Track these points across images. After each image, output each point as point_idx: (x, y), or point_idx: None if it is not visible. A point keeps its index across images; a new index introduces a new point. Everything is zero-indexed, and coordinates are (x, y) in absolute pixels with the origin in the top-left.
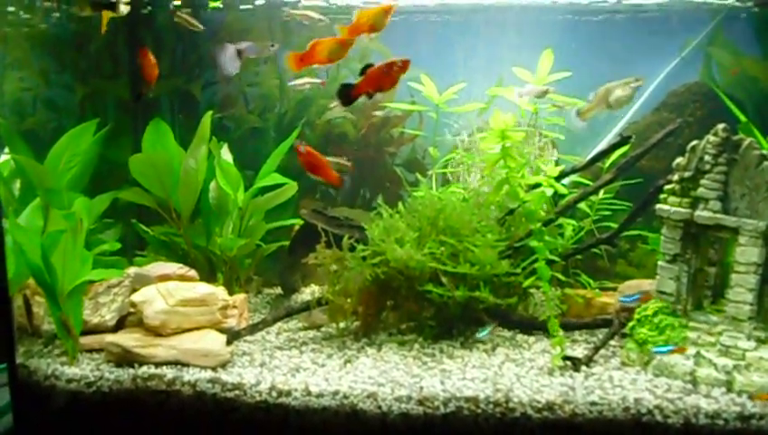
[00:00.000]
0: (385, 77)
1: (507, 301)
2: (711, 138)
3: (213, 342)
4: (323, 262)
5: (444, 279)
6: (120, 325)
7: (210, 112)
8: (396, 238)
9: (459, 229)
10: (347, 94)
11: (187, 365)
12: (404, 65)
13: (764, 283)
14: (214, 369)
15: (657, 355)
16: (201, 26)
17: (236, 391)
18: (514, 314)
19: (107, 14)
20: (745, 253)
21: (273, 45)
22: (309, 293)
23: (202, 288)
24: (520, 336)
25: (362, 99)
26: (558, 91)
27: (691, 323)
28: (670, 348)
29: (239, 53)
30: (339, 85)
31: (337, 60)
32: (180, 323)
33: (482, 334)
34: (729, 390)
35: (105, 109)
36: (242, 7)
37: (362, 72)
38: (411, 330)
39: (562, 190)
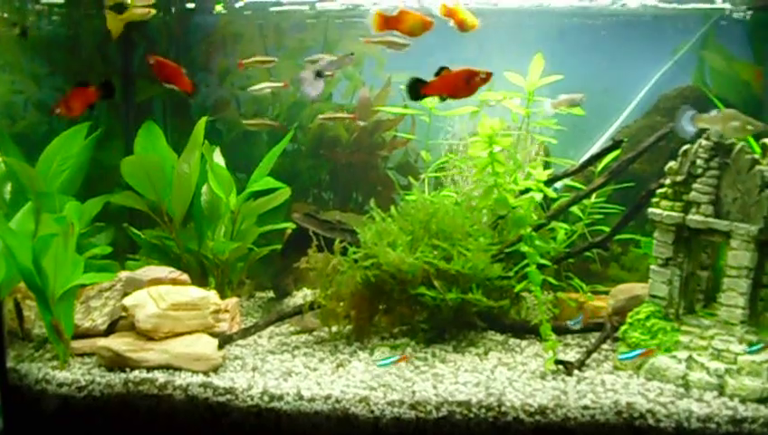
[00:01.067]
0: (464, 84)
1: (499, 304)
2: (703, 142)
3: (205, 346)
4: (315, 266)
5: (436, 283)
6: (111, 329)
7: (205, 118)
8: (388, 242)
9: (452, 233)
10: (416, 89)
11: (178, 369)
12: (486, 77)
13: (756, 287)
14: (206, 373)
15: (626, 361)
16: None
17: (228, 396)
18: (507, 318)
19: (112, 17)
20: (737, 257)
21: (351, 54)
22: (301, 296)
23: (194, 292)
24: (512, 340)
25: (355, 102)
26: (552, 95)
27: (683, 327)
28: (637, 353)
29: (319, 74)
30: (409, 78)
31: (413, 36)
32: (172, 327)
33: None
34: (721, 393)
35: (97, 112)
36: (238, 5)
37: (438, 72)
38: (404, 334)
39: (552, 195)
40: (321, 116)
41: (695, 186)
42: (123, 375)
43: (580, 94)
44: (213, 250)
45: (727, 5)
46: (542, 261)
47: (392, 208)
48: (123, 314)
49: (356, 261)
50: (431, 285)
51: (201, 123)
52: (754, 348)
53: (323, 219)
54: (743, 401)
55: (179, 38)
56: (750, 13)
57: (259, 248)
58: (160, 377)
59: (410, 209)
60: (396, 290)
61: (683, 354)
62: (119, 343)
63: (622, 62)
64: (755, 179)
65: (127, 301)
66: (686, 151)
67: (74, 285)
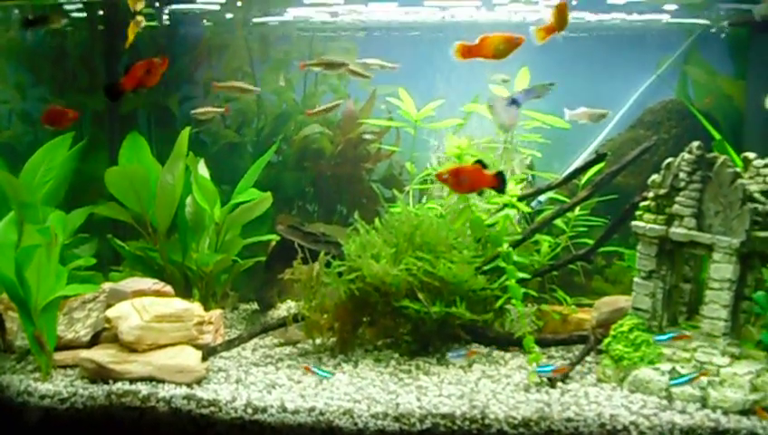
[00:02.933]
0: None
1: (483, 317)
2: (686, 155)
3: (188, 358)
4: (300, 277)
5: (420, 295)
6: (94, 341)
7: (188, 128)
8: (372, 254)
9: (436, 245)
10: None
11: (162, 381)
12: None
13: (738, 299)
14: (189, 385)
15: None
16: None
17: (212, 408)
18: (491, 331)
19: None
20: (720, 270)
21: (551, 84)
22: (285, 309)
23: (178, 304)
24: (496, 352)
25: (338, 115)
26: (535, 108)
27: None
28: (671, 336)
29: (514, 101)
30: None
31: (500, 58)
32: (156, 338)
33: (453, 356)
34: (704, 405)
35: (81, 122)
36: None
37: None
38: (388, 346)
39: (525, 210)
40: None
41: (678, 199)
42: (106, 387)
43: (603, 110)
44: (197, 262)
45: (709, 21)
46: (522, 275)
47: (376, 221)
48: (106, 325)
49: (340, 274)
50: (415, 297)
51: (185, 133)
52: (678, 381)
53: (308, 231)
54: (725, 412)
55: (165, 49)
56: (730, 28)
57: (243, 260)
58: (144, 389)
59: (394, 222)
60: (380, 302)
61: (666, 367)
62: (102, 354)
63: (607, 75)
64: (737, 193)
65: (110, 312)
66: (669, 165)
67: (57, 296)
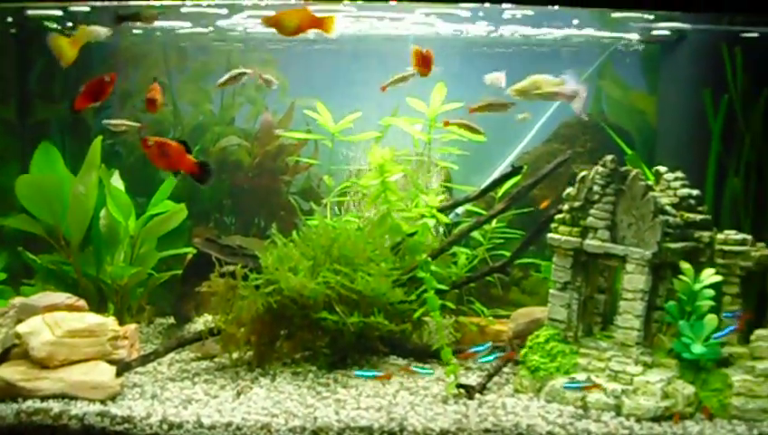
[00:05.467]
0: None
1: (401, 328)
2: (599, 169)
3: (102, 374)
4: (216, 290)
5: (338, 307)
6: (3, 358)
7: (100, 137)
8: (290, 267)
9: (353, 258)
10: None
11: (74, 398)
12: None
13: (651, 309)
14: (103, 402)
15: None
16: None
17: (126, 425)
18: (409, 343)
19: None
20: (632, 280)
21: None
22: (202, 322)
23: (91, 318)
24: (414, 364)
25: (258, 126)
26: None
27: (581, 350)
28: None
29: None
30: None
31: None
32: (68, 354)
33: (360, 374)
34: (618, 413)
35: None
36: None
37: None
38: (306, 359)
39: (445, 221)
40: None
41: (591, 211)
42: (15, 406)
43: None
44: (111, 275)
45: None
46: (440, 286)
47: (294, 233)
48: (16, 341)
49: (257, 287)
50: (333, 309)
51: (96, 143)
52: (572, 385)
53: (224, 244)
54: (638, 420)
55: (80, 58)
56: (643, 45)
57: (159, 274)
58: (55, 406)
59: (312, 234)
60: (297, 315)
61: (581, 376)
62: (11, 371)
63: None
64: (649, 206)
65: (20, 328)
66: (583, 178)
67: None
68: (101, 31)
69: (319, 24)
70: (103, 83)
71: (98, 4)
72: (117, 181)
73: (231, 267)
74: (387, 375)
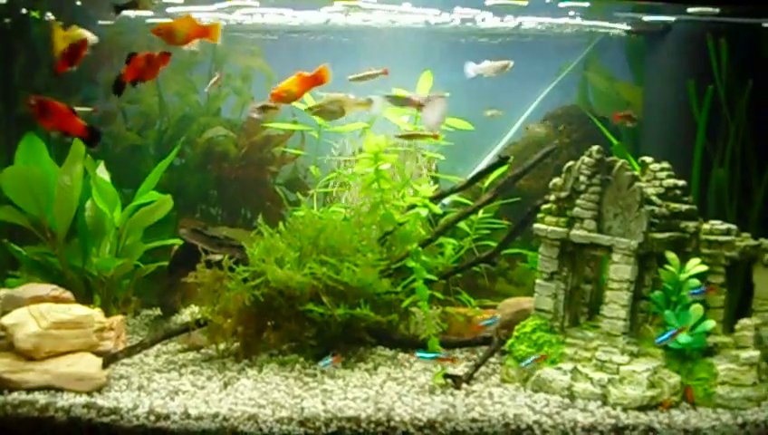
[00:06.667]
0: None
1: (388, 319)
2: (586, 159)
3: (88, 365)
4: (203, 281)
5: (324, 298)
6: None
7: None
8: (276, 258)
9: (340, 249)
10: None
11: (61, 390)
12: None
13: (636, 299)
14: (89, 393)
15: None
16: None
17: (113, 416)
18: (396, 333)
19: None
20: (618, 270)
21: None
22: (189, 314)
23: (77, 310)
24: (401, 355)
25: (245, 116)
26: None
27: (568, 340)
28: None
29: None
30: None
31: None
32: (54, 346)
33: (324, 364)
34: (604, 403)
35: None
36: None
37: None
38: (293, 350)
39: (437, 211)
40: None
41: (578, 202)
42: (1, 398)
43: (505, 62)
44: (97, 267)
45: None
46: (429, 276)
47: (280, 224)
48: (2, 333)
49: (245, 280)
50: (320, 300)
51: None
52: (526, 362)
53: (211, 235)
54: (624, 409)
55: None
56: (628, 36)
57: (145, 265)
58: (41, 398)
59: (299, 225)
60: (284, 306)
61: (568, 366)
62: None
63: (510, 80)
64: (635, 196)
65: (6, 320)
66: (569, 168)
67: None
68: (91, 38)
69: (205, 32)
70: (154, 60)
71: None
72: (102, 172)
73: (218, 257)
74: (451, 358)
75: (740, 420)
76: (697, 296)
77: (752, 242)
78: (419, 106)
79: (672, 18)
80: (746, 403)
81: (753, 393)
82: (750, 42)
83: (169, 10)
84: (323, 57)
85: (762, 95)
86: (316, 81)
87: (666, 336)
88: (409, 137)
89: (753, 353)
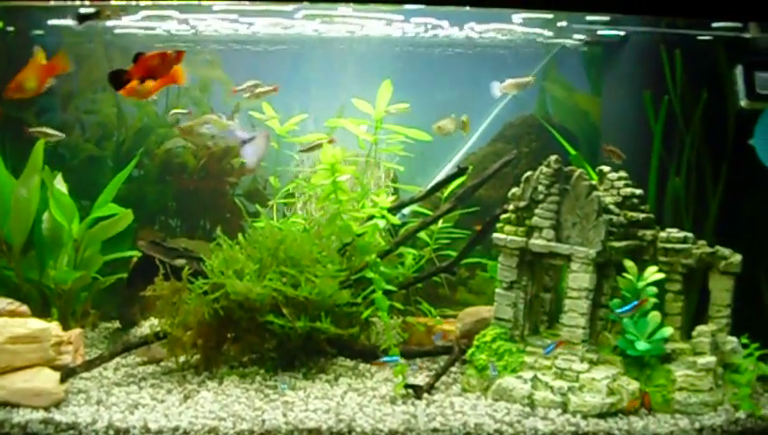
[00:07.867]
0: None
1: (349, 331)
2: (544, 169)
3: (46, 380)
4: (162, 293)
5: (285, 310)
6: None
7: (43, 140)
8: (235, 270)
9: (300, 260)
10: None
11: (17, 406)
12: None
13: (595, 307)
14: (47, 409)
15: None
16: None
17: (71, 432)
18: (357, 344)
19: None
20: (577, 279)
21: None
22: (148, 326)
23: (34, 324)
24: (362, 365)
25: (204, 128)
26: (397, 122)
27: (528, 348)
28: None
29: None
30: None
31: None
32: (10, 361)
33: (282, 388)
34: (564, 410)
35: None
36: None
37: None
38: (253, 362)
39: (395, 221)
40: None
41: (536, 211)
42: None
43: (529, 78)
44: (55, 280)
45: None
46: (389, 287)
47: (240, 236)
48: None
49: (206, 293)
50: (280, 312)
51: (39, 145)
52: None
53: (170, 247)
54: (584, 416)
55: (19, 58)
56: (587, 46)
57: (104, 277)
58: None
59: (258, 237)
60: (244, 319)
61: (528, 374)
62: None
63: (469, 90)
64: (593, 205)
65: None
66: (528, 178)
67: None
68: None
69: (171, 79)
70: (166, 58)
71: (61, 3)
72: (60, 184)
73: (182, 261)
74: (561, 342)
75: (697, 426)
76: (625, 314)
77: (708, 250)
78: (242, 142)
79: (629, 29)
80: (703, 408)
81: (709, 399)
82: (705, 53)
83: (127, 19)
84: (282, 68)
85: (716, 105)
86: (53, 70)
87: (550, 348)
88: (311, 149)
89: (710, 359)
